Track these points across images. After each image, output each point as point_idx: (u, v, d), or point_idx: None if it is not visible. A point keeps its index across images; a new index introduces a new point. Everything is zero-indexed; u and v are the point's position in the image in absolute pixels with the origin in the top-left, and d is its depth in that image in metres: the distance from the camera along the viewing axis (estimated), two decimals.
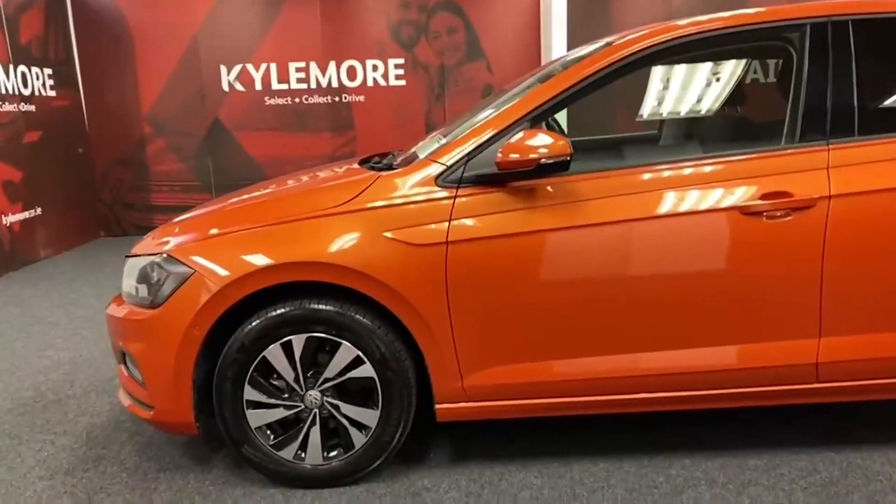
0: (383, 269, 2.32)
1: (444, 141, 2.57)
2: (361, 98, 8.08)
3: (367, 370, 2.40)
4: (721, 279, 2.32)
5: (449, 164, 2.39)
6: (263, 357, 2.40)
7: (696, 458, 2.58)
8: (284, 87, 8.02)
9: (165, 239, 2.54)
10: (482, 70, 8.08)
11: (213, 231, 2.47)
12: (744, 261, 2.31)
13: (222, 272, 2.35)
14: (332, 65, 7.98)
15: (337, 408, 2.44)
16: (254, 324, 2.37)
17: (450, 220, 2.33)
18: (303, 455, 2.48)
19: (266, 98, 8.02)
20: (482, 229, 2.32)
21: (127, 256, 2.67)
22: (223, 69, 7.97)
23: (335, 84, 8.03)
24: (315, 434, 2.46)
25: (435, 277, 2.33)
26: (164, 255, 2.45)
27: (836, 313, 2.33)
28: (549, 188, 2.34)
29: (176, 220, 2.74)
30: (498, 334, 2.37)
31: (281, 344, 2.39)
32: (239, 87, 7.99)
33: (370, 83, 8.05)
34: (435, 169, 2.40)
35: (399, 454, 2.53)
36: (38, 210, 7.05)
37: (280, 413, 2.46)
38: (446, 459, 2.66)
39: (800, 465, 2.51)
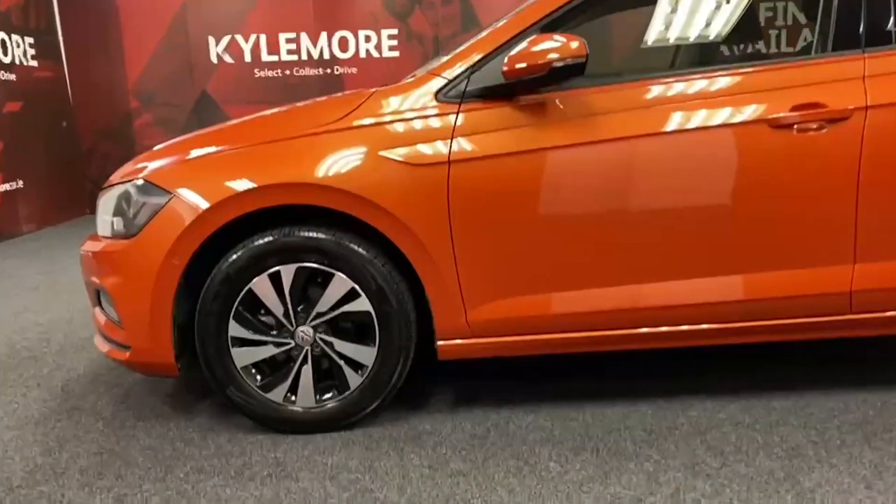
0: (379, 192, 2.13)
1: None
2: (354, 70, 7.88)
3: (362, 303, 2.20)
4: (748, 199, 2.14)
5: (451, 77, 2.19)
6: (249, 289, 2.20)
7: (718, 401, 2.39)
8: (274, 58, 7.81)
9: (141, 165, 2.33)
10: None
11: (194, 153, 2.27)
12: (772, 178, 2.13)
13: (202, 196, 2.15)
14: (324, 36, 7.77)
15: (330, 345, 2.25)
16: (239, 253, 2.17)
17: (452, 138, 2.13)
18: (293, 397, 2.29)
19: (256, 70, 7.81)
20: (487, 147, 2.13)
21: (102, 189, 2.47)
22: (211, 40, 7.75)
23: (327, 56, 7.82)
24: (306, 374, 2.26)
25: (436, 201, 2.13)
26: (140, 181, 2.25)
27: (872, 236, 2.15)
28: (559, 103, 2.15)
29: (155, 148, 2.54)
30: (505, 263, 2.18)
31: (269, 275, 2.19)
32: (228, 58, 7.77)
33: (363, 55, 7.85)
34: (436, 83, 2.20)
35: (397, 398, 2.34)
36: (20, 183, 6.82)
37: (268, 351, 2.26)
38: (449, 402, 2.47)
39: (829, 405, 2.33)
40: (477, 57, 2.18)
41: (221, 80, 7.80)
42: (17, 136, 6.75)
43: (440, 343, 2.25)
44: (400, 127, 2.17)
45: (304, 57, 7.80)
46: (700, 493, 1.85)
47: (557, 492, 1.88)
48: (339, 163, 2.14)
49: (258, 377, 2.29)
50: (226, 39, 7.73)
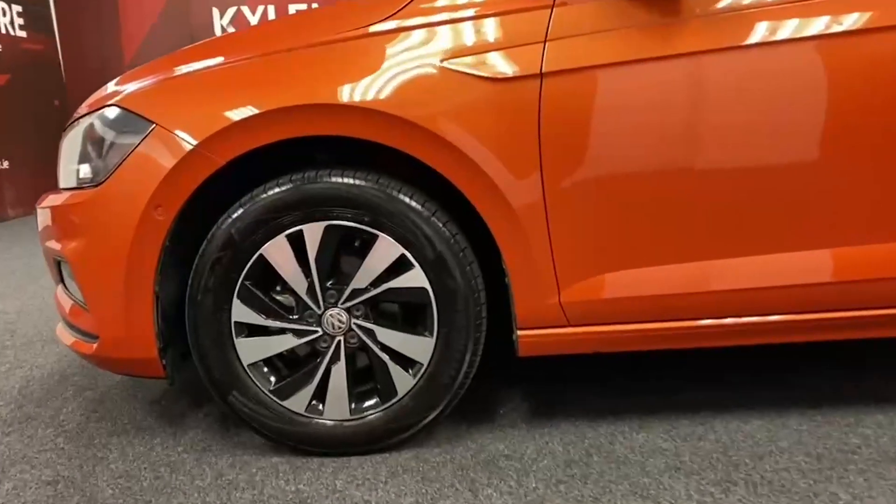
0: (441, 117, 1.51)
1: None
2: None
3: (416, 277, 1.58)
4: None
5: None
6: (260, 257, 1.58)
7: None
8: None
9: (113, 89, 1.71)
10: None
11: (183, 69, 1.65)
12: None
13: (195, 125, 1.54)
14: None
15: (371, 334, 1.63)
16: (246, 207, 1.56)
17: (545, 41, 1.51)
18: (320, 406, 1.67)
19: None
20: (595, 55, 1.51)
21: (65, 128, 1.85)
22: (215, 12, 7.15)
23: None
24: (339, 374, 1.65)
25: (522, 131, 1.52)
26: (109, 109, 1.64)
27: None
28: None
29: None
30: (618, 221, 1.56)
31: (287, 237, 1.57)
32: (233, 31, 7.15)
33: None
34: None
35: (455, 408, 1.71)
36: (6, 164, 6.23)
37: (286, 342, 1.64)
38: (524, 414, 1.85)
39: None
40: None
41: None
42: (4, 111, 6.15)
43: (521, 333, 1.63)
44: (471, 28, 1.54)
45: None
46: None
47: None
48: (384, 77, 1.52)
49: (272, 378, 1.67)
50: (231, 11, 7.12)
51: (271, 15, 7.11)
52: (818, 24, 1.49)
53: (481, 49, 1.52)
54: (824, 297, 1.59)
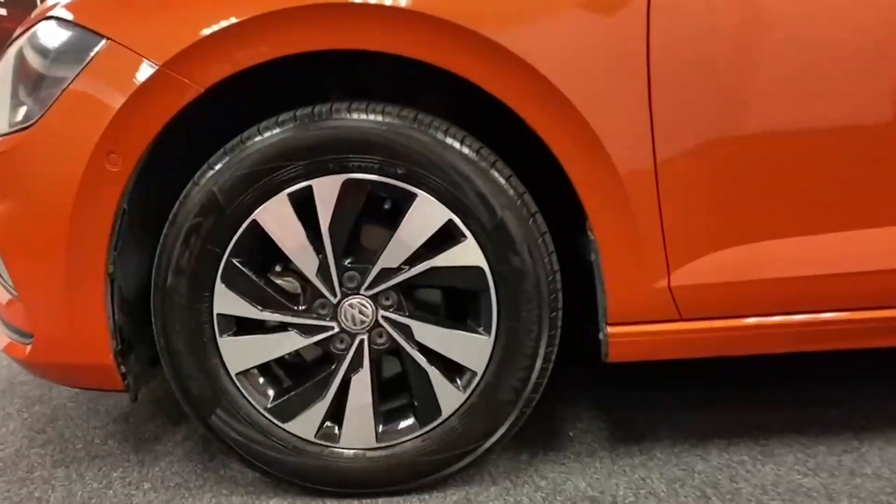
0: (511, 28, 1.06)
1: None
2: None
3: (468, 253, 1.14)
4: None
5: None
6: (254, 225, 1.13)
7: None
8: None
9: (46, 5, 1.26)
10: None
11: None
12: None
13: (166, 35, 1.09)
14: None
15: (406, 332, 1.18)
16: (234, 155, 1.11)
17: None
18: (335, 430, 1.22)
19: None
20: None
21: None
22: None
23: None
24: (361, 385, 1.20)
25: (625, 52, 1.07)
26: (46, 21, 1.19)
27: None
28: None
29: None
30: (754, 175, 1.11)
31: (290, 196, 1.12)
32: None
33: None
34: None
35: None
36: None
37: (290, 343, 1.19)
38: (601, 439, 1.41)
39: None
40: None
41: None
42: None
43: (613, 331, 1.18)
44: None
45: None
46: None
47: None
48: None
49: (269, 392, 1.22)
50: None
51: None
52: None
53: None
54: None
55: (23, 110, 1.21)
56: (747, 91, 1.09)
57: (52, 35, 1.17)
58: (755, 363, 1.66)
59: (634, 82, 1.08)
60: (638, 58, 1.08)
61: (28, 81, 1.20)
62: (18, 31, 1.31)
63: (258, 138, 1.12)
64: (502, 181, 1.13)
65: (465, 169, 1.12)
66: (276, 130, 1.12)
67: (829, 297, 1.16)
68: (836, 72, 1.08)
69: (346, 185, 1.13)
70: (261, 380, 1.23)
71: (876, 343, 1.22)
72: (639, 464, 1.31)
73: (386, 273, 1.16)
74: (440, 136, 1.12)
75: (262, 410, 1.21)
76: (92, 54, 1.12)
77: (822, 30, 1.07)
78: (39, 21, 1.21)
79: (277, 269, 1.22)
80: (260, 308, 1.17)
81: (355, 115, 1.12)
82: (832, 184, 1.12)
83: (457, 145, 1.12)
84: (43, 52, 1.18)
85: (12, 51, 1.26)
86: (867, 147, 1.11)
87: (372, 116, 1.12)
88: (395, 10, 1.06)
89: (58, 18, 1.17)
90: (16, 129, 1.20)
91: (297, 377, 1.25)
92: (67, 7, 1.18)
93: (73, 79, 1.12)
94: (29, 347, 1.24)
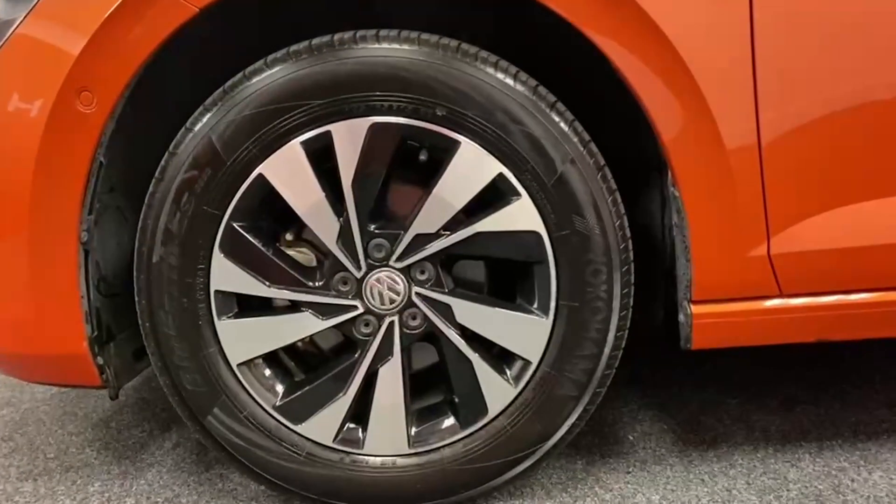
0: None
1: None
2: None
3: (523, 214, 0.93)
4: None
5: None
6: (260, 180, 0.92)
7: None
8: None
9: None
10: None
11: None
12: None
13: None
14: None
15: (446, 312, 0.97)
16: (235, 95, 0.90)
17: None
18: (359, 433, 1.00)
19: None
20: None
21: None
22: None
23: None
24: (391, 378, 0.98)
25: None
26: None
27: None
28: None
29: None
30: (866, 129, 0.91)
31: (304, 145, 0.90)
32: None
33: None
34: None
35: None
36: None
37: (304, 326, 0.98)
38: (668, 443, 1.20)
39: None
40: None
41: None
42: None
43: (699, 311, 0.97)
44: None
45: None
46: None
47: None
48: None
49: (278, 388, 1.00)
50: None
51: None
52: None
53: None
54: None
55: None
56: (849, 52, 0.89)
57: None
58: (832, 354, 1.46)
59: (736, 16, 0.88)
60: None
61: None
62: None
63: (266, 73, 0.91)
64: (564, 126, 0.92)
65: (518, 111, 0.91)
66: (288, 64, 0.91)
67: None
68: None
69: (373, 130, 0.92)
70: (267, 372, 1.01)
71: None
72: (718, 471, 1.10)
73: (421, 240, 0.95)
74: (489, 69, 0.91)
75: (269, 409, 0.99)
76: None
77: None
78: None
79: (288, 236, 1.01)
80: (267, 283, 0.96)
81: (385, 45, 0.91)
82: None
83: (509, 81, 0.91)
84: None
85: None
86: None
87: (406, 46, 0.91)
88: None
89: None
90: None
91: (312, 369, 1.04)
92: None
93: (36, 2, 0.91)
94: None
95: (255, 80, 0.91)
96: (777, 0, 0.89)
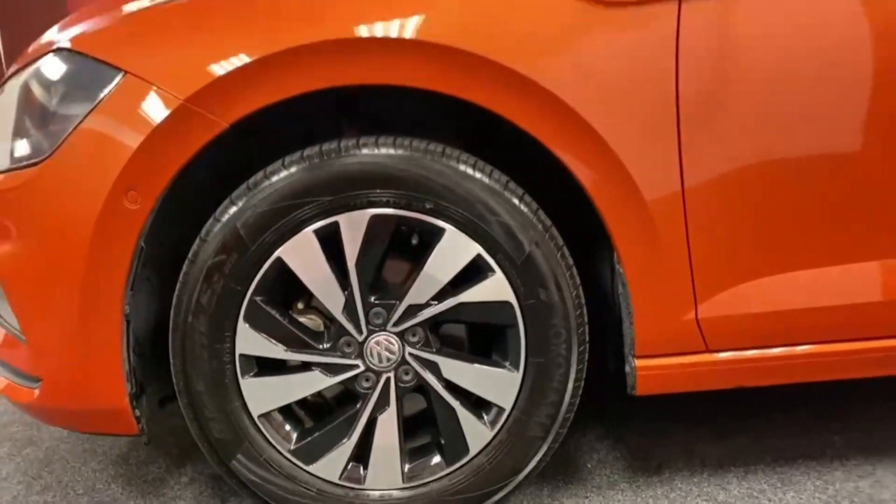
0: (537, 58, 1.06)
1: None
2: None
3: (497, 287, 1.13)
4: None
5: None
6: (278, 262, 1.10)
7: None
8: None
9: (56, 35, 1.22)
10: None
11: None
12: None
13: (189, 69, 1.06)
14: None
15: (434, 369, 1.16)
16: (257, 191, 1.08)
17: None
18: (360, 470, 1.19)
19: None
20: None
21: None
22: None
23: None
24: (388, 425, 1.17)
25: (653, 76, 1.07)
26: (56, 53, 1.15)
27: None
28: None
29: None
30: (785, 199, 1.13)
31: (315, 232, 1.09)
32: None
33: None
34: None
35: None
36: None
37: (315, 382, 1.17)
38: (621, 470, 1.40)
39: None
40: None
41: None
42: None
43: (642, 364, 1.18)
44: None
45: None
46: None
47: None
48: (454, 5, 1.07)
49: (293, 434, 1.19)
50: None
51: None
52: None
53: None
54: None
55: (28, 146, 1.17)
56: (774, 119, 1.10)
57: (63, 67, 1.14)
58: (763, 392, 1.68)
59: (661, 94, 1.08)
60: (667, 84, 1.08)
61: (36, 116, 1.16)
62: (17, 64, 1.26)
63: (284, 173, 1.10)
64: (530, 214, 1.13)
65: (493, 203, 1.11)
66: (301, 165, 1.10)
67: (857, 325, 1.17)
68: (861, 98, 1.10)
69: (373, 220, 1.11)
70: (282, 421, 1.19)
71: None
72: (661, 495, 1.30)
73: (413, 309, 1.14)
74: (468, 169, 1.11)
75: (285, 453, 1.18)
76: (109, 88, 1.09)
77: (847, 55, 1.09)
78: (47, 53, 1.17)
79: (300, 306, 1.19)
80: (284, 347, 1.14)
81: (382, 150, 1.10)
82: (859, 214, 1.13)
83: (485, 179, 1.11)
84: (53, 86, 1.14)
85: (15, 84, 1.21)
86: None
87: (400, 151, 1.10)
88: (429, 46, 1.05)
89: (70, 50, 1.13)
90: (22, 165, 1.15)
91: (320, 417, 1.22)
92: (80, 37, 1.15)
93: (88, 113, 1.09)
94: (37, 391, 1.19)
95: (274, 178, 1.10)
96: (700, 107, 1.10)
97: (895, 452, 1.40)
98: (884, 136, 1.11)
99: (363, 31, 1.05)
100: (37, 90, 1.17)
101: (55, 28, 1.26)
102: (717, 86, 1.09)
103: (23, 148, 1.17)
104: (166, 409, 1.29)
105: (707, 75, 1.08)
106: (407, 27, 1.05)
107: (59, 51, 1.15)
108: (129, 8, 1.16)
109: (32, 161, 1.13)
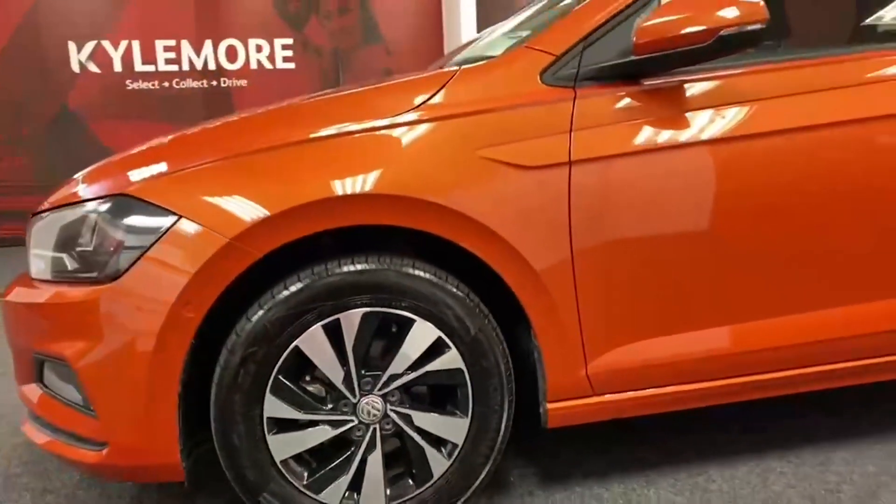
0: (482, 204, 1.56)
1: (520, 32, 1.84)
2: (243, 83, 7.06)
3: (453, 359, 1.61)
4: None
5: (559, 52, 1.66)
6: (296, 348, 1.53)
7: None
8: (151, 68, 6.82)
9: (105, 182, 1.60)
10: (381, 54, 7.34)
11: (203, 157, 1.57)
12: None
13: (236, 214, 1.48)
14: (208, 44, 6.91)
15: (408, 419, 1.62)
16: (284, 295, 1.51)
17: (571, 131, 1.60)
18: (354, 495, 1.63)
19: (128, 81, 6.78)
20: (619, 142, 1.62)
21: (35, 214, 1.70)
22: (72, 46, 6.64)
23: (212, 66, 6.95)
24: (375, 462, 1.62)
25: (553, 213, 1.59)
26: (120, 198, 1.53)
27: None
28: (694, 86, 1.67)
29: (102, 163, 1.80)
30: (639, 293, 1.67)
31: (323, 326, 1.54)
32: (93, 67, 6.69)
33: (253, 65, 7.05)
34: (540, 60, 1.66)
35: None
36: None
37: (322, 434, 1.60)
38: (537, 481, 1.91)
39: None
40: (590, 26, 1.66)
41: (86, 93, 6.68)
42: None
43: (552, 406, 1.69)
44: (503, 117, 1.60)
45: (186, 67, 6.87)
46: None
47: None
48: (426, 166, 1.55)
49: (304, 473, 1.61)
50: (90, 45, 6.64)
51: (136, 51, 6.71)
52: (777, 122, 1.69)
53: (514, 138, 1.59)
54: (804, 354, 1.79)
55: (80, 263, 1.54)
56: (635, 236, 1.64)
57: (125, 207, 1.51)
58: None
59: (559, 225, 1.58)
60: (562, 215, 1.59)
61: (98, 243, 1.53)
62: (58, 201, 1.62)
63: (298, 284, 1.52)
64: (474, 307, 1.61)
65: (449, 300, 1.58)
66: (310, 279, 1.53)
67: (700, 372, 1.73)
68: (687, 219, 1.66)
69: (364, 316, 1.55)
70: (295, 464, 1.61)
71: (734, 399, 1.81)
72: (564, 498, 1.82)
73: (393, 377, 1.60)
74: (433, 277, 1.58)
75: (300, 487, 1.60)
76: (167, 227, 1.48)
77: (675, 198, 1.65)
78: (107, 197, 1.54)
79: (307, 378, 1.62)
80: (301, 411, 1.57)
81: (372, 266, 1.55)
82: (695, 300, 1.69)
83: (443, 283, 1.58)
84: (120, 218, 1.51)
85: (69, 214, 1.57)
86: (721, 264, 1.69)
87: (384, 266, 1.55)
88: (401, 199, 1.51)
89: (132, 196, 1.52)
90: (82, 280, 1.52)
91: (321, 459, 1.64)
92: (141, 186, 1.53)
93: (151, 246, 1.48)
94: (103, 454, 1.55)
95: (291, 288, 1.52)
96: (587, 224, 1.61)
97: (719, 456, 1.98)
98: (705, 250, 1.67)
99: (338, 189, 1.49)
100: (94, 224, 1.54)
101: (84, 176, 1.65)
102: (596, 214, 1.61)
103: (73, 263, 1.54)
104: (193, 458, 1.67)
105: (589, 210, 1.60)
106: (368, 183, 1.50)
107: (121, 196, 1.52)
108: (172, 165, 1.55)
109: (95, 278, 1.51)
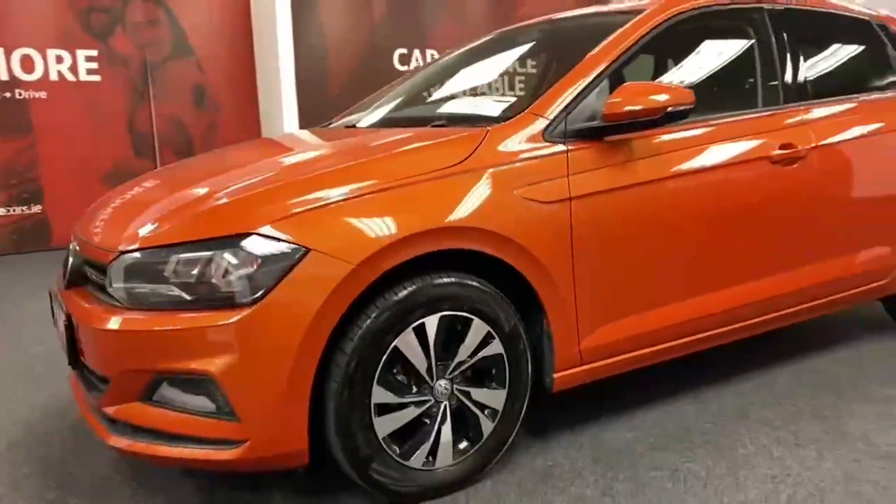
0: (522, 231, 2.14)
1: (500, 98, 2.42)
2: (42, 94, 6.64)
3: (496, 347, 2.16)
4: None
5: (551, 117, 2.28)
6: (395, 347, 1.99)
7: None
8: None
9: (236, 221, 1.91)
10: (191, 67, 7.32)
11: (313, 199, 1.93)
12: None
13: (354, 245, 1.89)
14: (0, 52, 6.41)
15: (467, 395, 2.14)
16: (386, 304, 1.95)
17: (568, 175, 2.24)
18: (432, 459, 2.11)
19: None
20: (598, 183, 2.28)
21: (126, 253, 1.94)
22: None
23: (5, 77, 6.46)
24: (447, 431, 2.11)
25: (562, 235, 2.21)
26: (251, 237, 1.85)
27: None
28: (635, 143, 2.39)
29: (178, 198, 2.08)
30: (616, 287, 2.35)
31: (413, 329, 2.01)
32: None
33: (54, 77, 6.67)
34: (540, 123, 2.27)
35: None
36: None
37: (410, 413, 2.06)
38: (536, 435, 2.51)
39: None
40: (569, 99, 2.31)
41: None
42: None
43: (557, 375, 2.31)
44: (526, 166, 2.19)
45: None
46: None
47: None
48: (488, 205, 2.08)
49: (395, 447, 2.06)
50: None
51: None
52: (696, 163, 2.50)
53: (535, 181, 2.17)
54: (711, 321, 2.61)
55: (207, 290, 1.85)
56: (619, 247, 2.32)
57: (263, 247, 1.84)
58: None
59: (565, 244, 2.20)
60: (566, 230, 2.21)
61: (222, 275, 1.84)
62: (157, 238, 1.92)
63: (399, 295, 1.97)
64: (508, 307, 2.17)
65: (494, 305, 2.13)
66: (405, 292, 1.98)
67: (651, 340, 2.46)
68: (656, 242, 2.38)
69: (441, 319, 2.05)
70: (391, 438, 2.05)
71: (685, 351, 2.56)
72: (564, 444, 2.44)
73: (459, 364, 2.10)
74: (486, 288, 2.11)
75: (395, 457, 2.04)
76: (298, 259, 1.85)
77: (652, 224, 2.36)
78: (237, 235, 1.85)
79: (394, 370, 2.06)
80: (397, 396, 2.01)
81: (454, 279, 2.04)
82: (665, 284, 2.42)
83: (492, 292, 2.12)
84: (257, 257, 1.83)
85: (186, 254, 1.87)
86: (674, 268, 2.43)
87: (455, 280, 2.06)
88: (473, 229, 2.03)
89: (264, 235, 1.85)
90: (215, 305, 1.84)
91: (406, 434, 2.08)
92: (274, 223, 1.86)
93: (288, 272, 1.84)
94: (242, 449, 1.85)
95: (391, 300, 1.96)
96: (582, 243, 2.25)
97: (651, 404, 2.74)
98: (651, 254, 2.40)
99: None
100: (220, 261, 1.84)
101: (182, 213, 1.99)
102: (587, 233, 2.25)
103: (196, 290, 1.85)
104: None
105: (582, 230, 2.23)
106: (460, 215, 2.02)
107: (253, 235, 1.85)
108: (284, 205, 1.91)
109: (231, 304, 1.83)
